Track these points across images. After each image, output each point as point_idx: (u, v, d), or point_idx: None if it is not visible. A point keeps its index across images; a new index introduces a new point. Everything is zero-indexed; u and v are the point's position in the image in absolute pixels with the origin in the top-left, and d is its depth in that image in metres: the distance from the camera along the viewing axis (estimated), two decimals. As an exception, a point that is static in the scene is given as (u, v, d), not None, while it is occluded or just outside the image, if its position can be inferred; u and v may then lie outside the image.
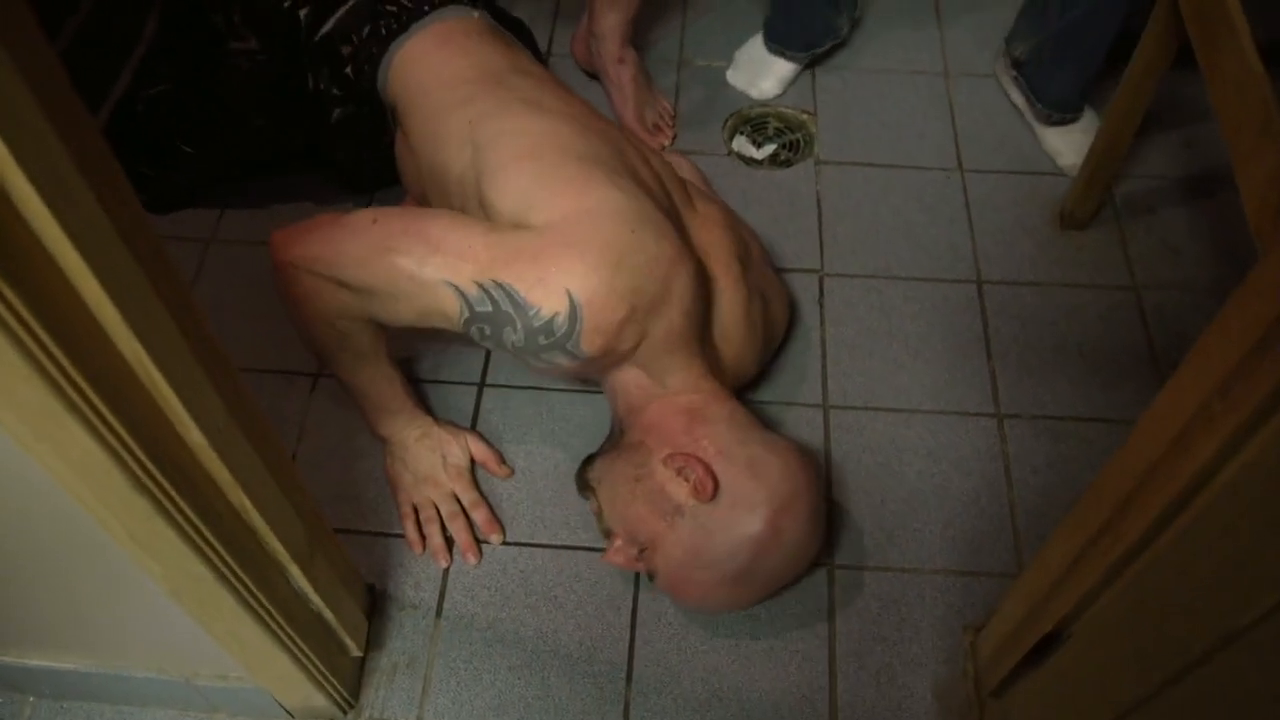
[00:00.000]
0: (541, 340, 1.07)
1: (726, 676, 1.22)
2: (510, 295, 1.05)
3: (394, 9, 1.34)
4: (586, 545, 1.32)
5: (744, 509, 1.12)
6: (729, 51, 1.89)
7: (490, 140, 1.17)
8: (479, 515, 1.32)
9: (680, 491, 1.12)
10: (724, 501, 1.12)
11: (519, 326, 1.06)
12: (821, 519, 1.19)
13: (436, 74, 1.29)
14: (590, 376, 1.28)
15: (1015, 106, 1.79)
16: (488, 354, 1.49)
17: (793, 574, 1.20)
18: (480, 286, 1.06)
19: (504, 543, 1.32)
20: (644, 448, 1.17)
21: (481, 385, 1.46)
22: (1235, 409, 0.64)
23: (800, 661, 1.23)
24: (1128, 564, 0.80)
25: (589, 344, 1.07)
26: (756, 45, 1.84)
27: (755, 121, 1.79)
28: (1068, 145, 1.68)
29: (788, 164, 1.73)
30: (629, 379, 1.19)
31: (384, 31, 1.34)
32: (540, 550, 1.31)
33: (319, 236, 1.13)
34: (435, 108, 1.26)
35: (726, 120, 1.80)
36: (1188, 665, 0.73)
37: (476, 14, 1.37)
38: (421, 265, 1.07)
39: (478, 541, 1.31)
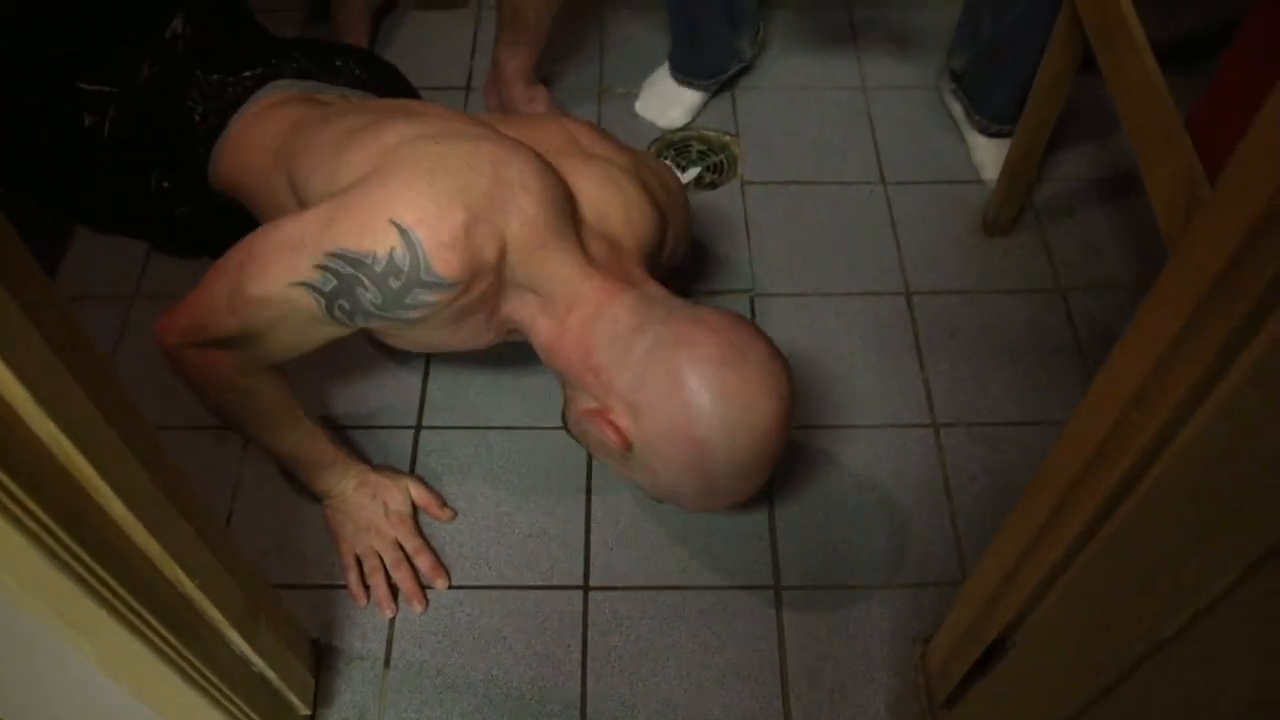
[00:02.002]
0: (394, 284, 1.02)
1: (681, 707, 1.22)
2: (343, 257, 1.02)
3: (206, 110, 1.33)
4: (533, 584, 1.31)
5: (663, 443, 1.05)
6: (644, 76, 1.90)
7: (300, 161, 1.17)
8: (423, 561, 1.31)
9: (610, 441, 1.08)
10: (643, 443, 1.07)
11: (367, 282, 1.02)
12: (762, 381, 1.04)
13: (250, 153, 1.29)
14: (508, 328, 1.17)
15: (954, 119, 1.81)
16: (422, 395, 1.48)
17: (768, 448, 1.06)
18: (318, 267, 1.03)
19: (450, 587, 1.30)
20: (571, 400, 1.15)
21: (418, 428, 1.45)
22: (1151, 417, 0.65)
23: (753, 686, 1.23)
24: (1061, 571, 0.82)
25: (443, 264, 1.01)
26: (663, 75, 1.85)
27: (678, 145, 1.80)
28: (996, 159, 1.70)
29: (713, 186, 1.74)
30: (525, 309, 1.12)
31: (203, 132, 1.33)
32: (486, 592, 1.30)
33: (184, 309, 1.12)
34: (257, 182, 1.26)
35: (650, 146, 1.81)
36: (1123, 671, 0.75)
37: (295, 87, 1.34)
38: (265, 284, 1.05)
39: (423, 588, 1.30)
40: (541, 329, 1.12)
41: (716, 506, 1.17)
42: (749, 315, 1.57)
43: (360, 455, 1.38)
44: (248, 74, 1.34)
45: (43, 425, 0.64)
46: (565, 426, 1.23)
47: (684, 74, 1.82)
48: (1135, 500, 0.69)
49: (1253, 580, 0.62)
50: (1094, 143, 1.80)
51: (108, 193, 1.45)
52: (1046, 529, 0.82)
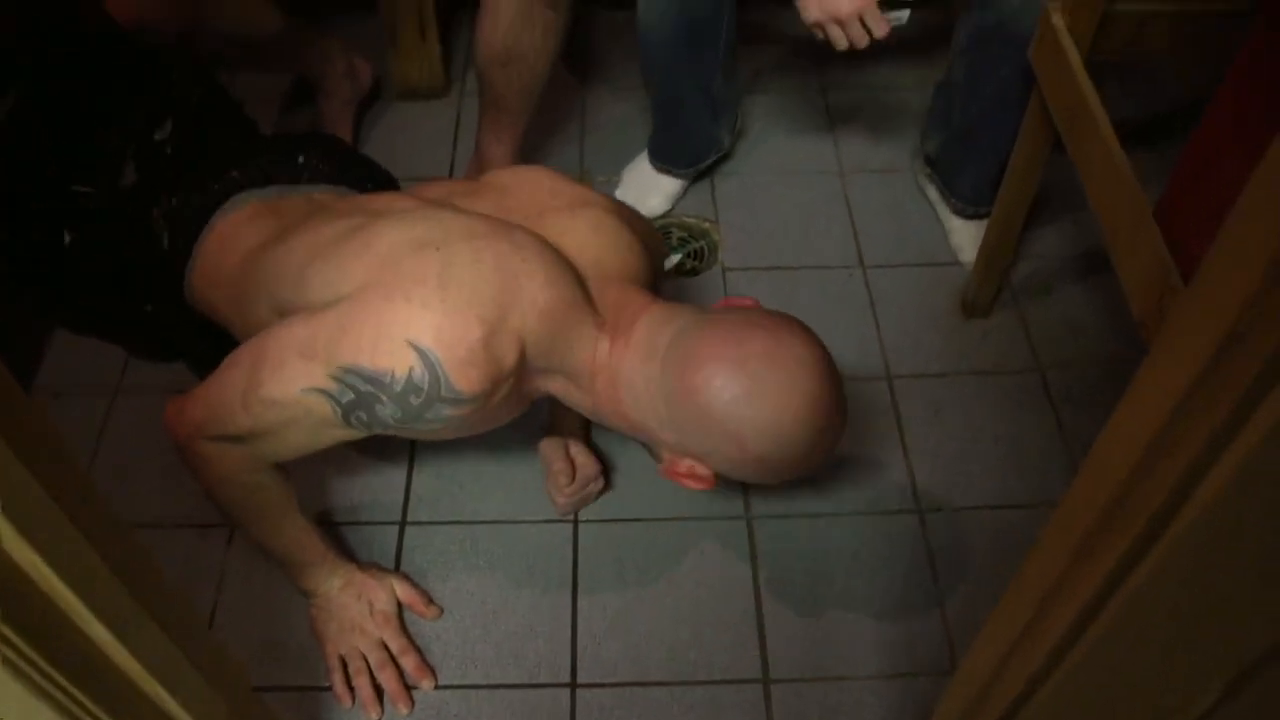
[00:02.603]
0: (414, 401, 1.01)
1: (672, 805, 1.20)
2: (359, 373, 1.01)
3: (172, 236, 1.31)
4: (520, 683, 1.30)
5: (736, 468, 1.08)
6: (625, 162, 1.92)
7: (280, 282, 1.15)
8: (408, 662, 1.29)
9: (696, 488, 1.12)
10: (723, 472, 1.10)
11: (386, 400, 1.02)
12: (784, 376, 1.03)
13: (223, 280, 1.27)
14: (535, 398, 1.17)
15: (930, 202, 1.84)
16: (407, 491, 1.48)
17: (829, 423, 1.07)
18: (333, 379, 1.02)
19: (436, 687, 1.29)
20: (652, 452, 1.16)
21: (403, 524, 1.44)
22: (1131, 522, 0.65)
23: (745, 782, 1.22)
24: (1052, 668, 0.81)
25: (465, 381, 1.00)
26: (642, 163, 1.88)
27: (660, 232, 1.82)
28: (974, 241, 1.71)
29: (695, 273, 1.76)
30: (555, 386, 1.13)
31: (172, 258, 1.31)
32: (473, 691, 1.29)
33: (197, 401, 1.12)
34: (233, 309, 1.24)
35: (631, 234, 1.82)
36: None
37: (256, 197, 1.31)
38: (280, 387, 1.04)
39: (408, 688, 1.28)
40: (579, 402, 1.15)
41: (819, 461, 1.12)
42: (732, 401, 1.57)
43: (347, 552, 1.37)
44: (211, 189, 1.31)
45: (20, 551, 0.63)
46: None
47: (663, 162, 1.85)
48: (1121, 600, 0.69)
49: (1249, 685, 0.62)
50: (1068, 219, 1.82)
51: (83, 309, 1.45)
52: (1032, 626, 0.82)
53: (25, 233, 1.35)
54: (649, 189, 1.85)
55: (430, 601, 1.36)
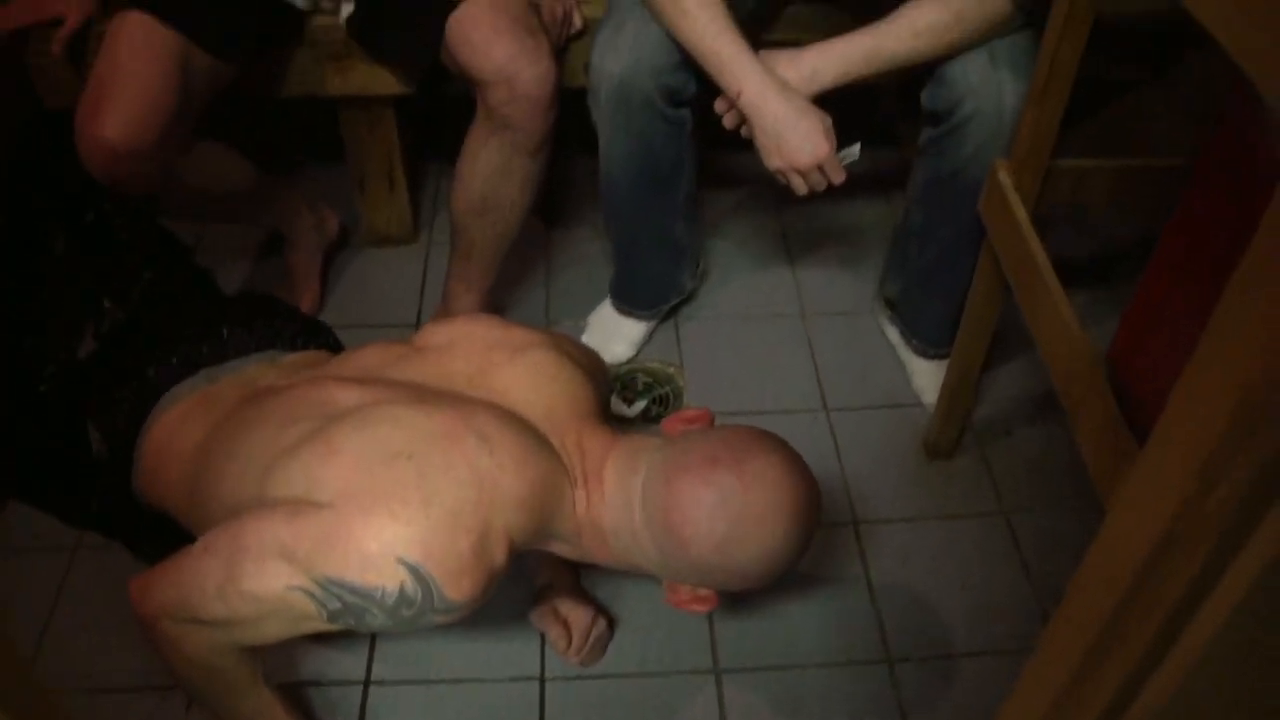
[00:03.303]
0: (406, 612, 1.01)
1: None
2: (349, 588, 1.00)
3: (109, 442, 1.32)
4: None
5: (732, 582, 1.13)
6: (591, 307, 1.94)
7: (238, 497, 1.13)
8: (371, 830, 1.26)
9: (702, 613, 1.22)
10: (722, 591, 1.16)
11: (376, 611, 1.01)
12: (755, 503, 1.07)
13: (169, 486, 1.27)
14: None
15: (891, 344, 1.87)
16: (371, 649, 1.45)
17: (804, 530, 1.11)
18: (319, 585, 1.01)
19: None
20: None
21: (366, 683, 1.42)
22: (1094, 696, 0.65)
23: None
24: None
25: (458, 591, 1.01)
26: (606, 309, 1.90)
27: (624, 379, 1.84)
28: (936, 382, 1.72)
29: (660, 419, 1.77)
30: (551, 549, 1.16)
31: (112, 464, 1.31)
32: None
33: (167, 584, 1.09)
34: (186, 510, 1.24)
35: (596, 379, 1.84)
36: None
37: (186, 387, 1.31)
38: (262, 584, 1.02)
39: None
40: (569, 554, 1.18)
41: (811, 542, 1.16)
42: (699, 549, 1.56)
43: (311, 717, 1.34)
44: (139, 395, 1.31)
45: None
46: None
47: (625, 304, 1.87)
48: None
49: None
50: (1029, 357, 1.84)
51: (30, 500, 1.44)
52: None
53: None
54: (613, 334, 1.87)
55: (393, 764, 1.33)
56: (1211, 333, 0.47)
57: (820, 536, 1.57)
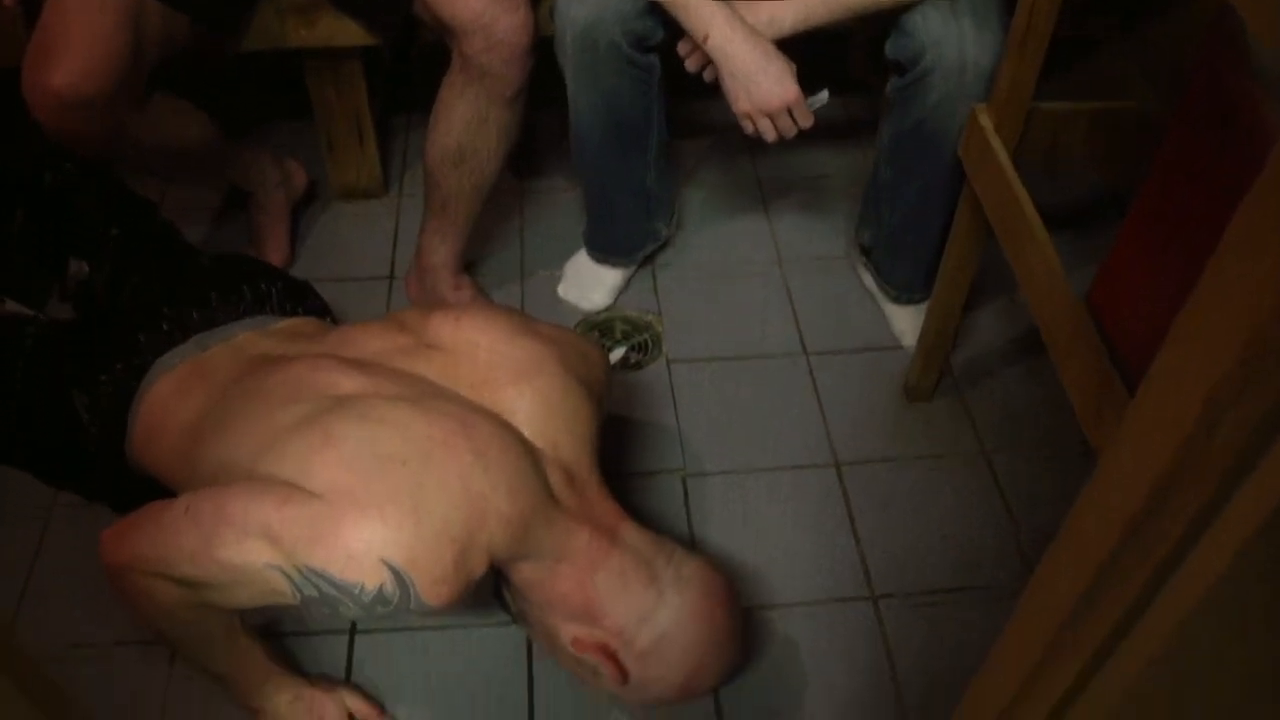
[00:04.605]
0: (380, 609, 1.03)
1: None
2: (328, 580, 1.01)
3: (98, 419, 1.30)
4: (478, 795, 1.27)
5: (656, 682, 1.17)
6: (566, 257, 1.93)
7: (231, 473, 1.13)
8: (363, 777, 1.27)
9: (607, 673, 1.16)
10: (638, 682, 1.17)
11: (350, 604, 1.03)
12: (739, 633, 1.23)
13: (163, 455, 1.27)
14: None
15: (867, 289, 1.87)
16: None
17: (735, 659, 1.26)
18: (299, 571, 1.01)
19: (392, 805, 1.26)
20: (549, 622, 1.18)
21: (352, 634, 1.42)
22: (1087, 639, 0.66)
23: None
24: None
25: (435, 597, 1.03)
26: (582, 257, 1.89)
27: (603, 327, 1.83)
28: (914, 326, 1.74)
29: (639, 366, 1.77)
30: (521, 576, 1.16)
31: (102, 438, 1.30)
32: (430, 808, 1.26)
33: (142, 537, 1.09)
34: (184, 483, 1.22)
35: (575, 328, 1.83)
36: None
37: (178, 358, 1.30)
38: (242, 554, 1.03)
39: (364, 808, 1.26)
40: (529, 577, 1.16)
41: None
42: (682, 496, 1.57)
43: (293, 666, 1.34)
44: (128, 365, 1.30)
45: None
46: (509, 613, 1.28)
47: (600, 253, 1.86)
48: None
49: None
50: (1008, 300, 1.86)
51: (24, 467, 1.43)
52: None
53: None
54: (590, 283, 1.86)
55: (383, 712, 1.33)
56: (1217, 266, 0.47)
57: (803, 478, 1.59)
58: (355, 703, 1.32)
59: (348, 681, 1.37)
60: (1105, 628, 0.63)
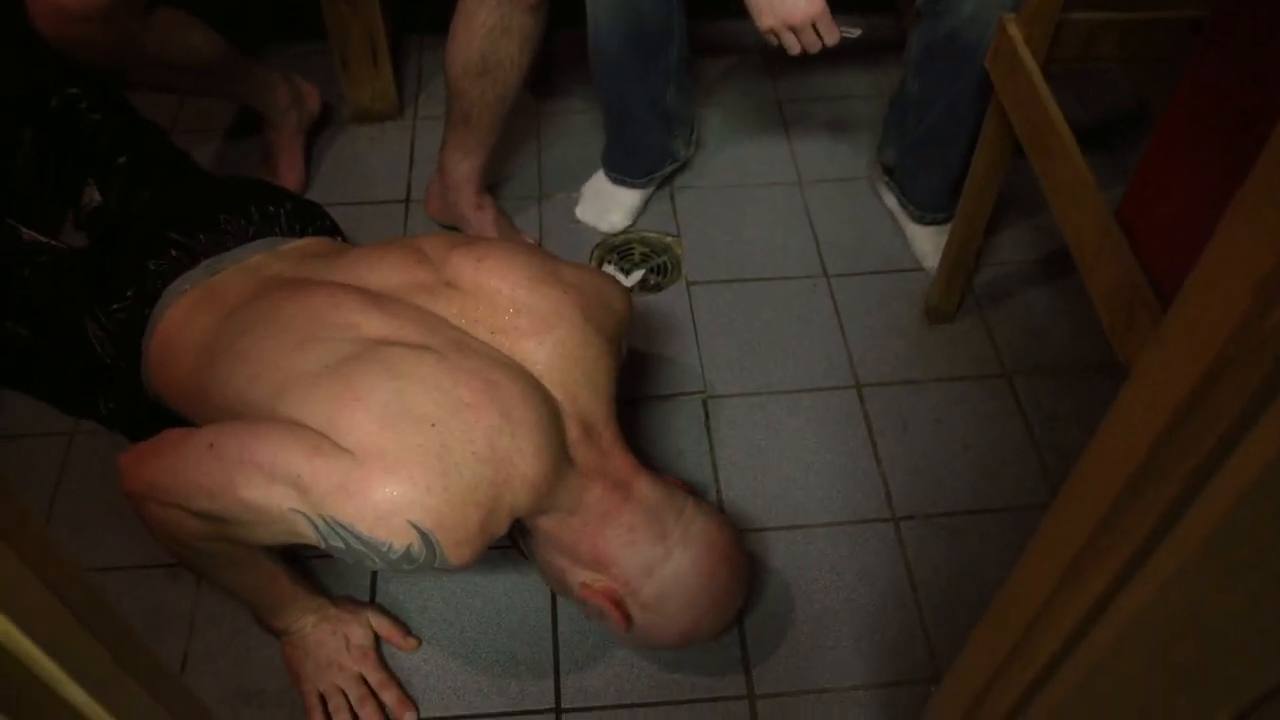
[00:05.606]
0: (406, 567, 1.03)
1: (661, 831, 1.20)
2: (356, 535, 1.01)
3: (112, 349, 1.31)
4: (503, 710, 1.28)
5: (658, 630, 1.20)
6: (584, 179, 1.91)
7: (247, 408, 1.13)
8: (389, 696, 1.28)
9: (611, 618, 1.18)
10: (641, 628, 1.19)
11: (377, 560, 1.03)
12: (741, 589, 1.25)
13: (178, 381, 1.26)
14: None
15: (889, 209, 1.85)
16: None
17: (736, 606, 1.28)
18: (324, 521, 1.01)
19: (418, 720, 1.28)
20: (558, 564, 1.20)
21: (376, 555, 1.42)
22: (1124, 540, 0.65)
23: (733, 803, 1.21)
24: (1038, 689, 0.81)
25: (459, 558, 1.04)
26: (600, 178, 1.87)
27: (621, 249, 1.82)
28: (936, 247, 1.72)
29: (658, 288, 1.75)
30: (534, 524, 1.17)
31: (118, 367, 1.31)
32: (456, 723, 1.28)
33: (163, 465, 1.08)
34: (199, 414, 1.23)
35: (593, 251, 1.82)
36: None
37: (189, 283, 1.30)
38: (267, 497, 1.02)
39: (390, 723, 1.27)
40: (541, 526, 1.17)
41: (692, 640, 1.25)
42: (703, 418, 1.57)
43: (319, 587, 1.35)
44: (139, 291, 1.29)
45: (-3, 622, 0.61)
46: (521, 551, 1.28)
47: (618, 173, 1.84)
48: (1111, 630, 0.68)
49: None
50: (1030, 223, 1.84)
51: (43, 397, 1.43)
52: (1018, 648, 0.82)
53: None
54: (608, 204, 1.84)
55: (408, 633, 1.34)
56: (1273, 149, 0.46)
57: (823, 400, 1.58)
58: (380, 623, 1.33)
59: (372, 602, 1.38)
60: (1148, 521, 0.62)
